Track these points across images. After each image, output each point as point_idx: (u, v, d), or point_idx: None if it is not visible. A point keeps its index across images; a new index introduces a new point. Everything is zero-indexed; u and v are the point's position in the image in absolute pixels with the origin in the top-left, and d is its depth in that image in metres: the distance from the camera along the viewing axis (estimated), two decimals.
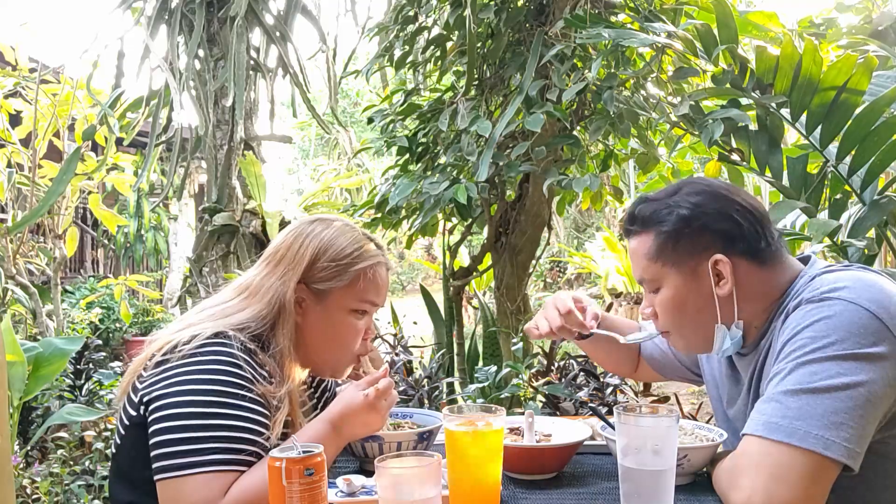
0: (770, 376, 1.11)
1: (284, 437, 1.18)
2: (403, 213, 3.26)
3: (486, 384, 2.74)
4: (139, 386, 1.17)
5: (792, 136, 2.41)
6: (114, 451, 1.23)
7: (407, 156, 3.30)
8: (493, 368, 2.82)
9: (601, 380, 2.46)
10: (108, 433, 3.26)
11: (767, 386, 1.10)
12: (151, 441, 1.11)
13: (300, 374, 1.29)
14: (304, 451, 0.93)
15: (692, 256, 1.20)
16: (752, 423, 1.06)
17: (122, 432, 1.20)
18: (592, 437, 1.39)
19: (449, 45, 3.21)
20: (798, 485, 0.99)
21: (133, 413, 1.17)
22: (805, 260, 1.26)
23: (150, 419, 1.12)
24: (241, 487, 1.08)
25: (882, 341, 1.04)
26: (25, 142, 5.05)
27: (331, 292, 1.26)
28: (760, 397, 1.11)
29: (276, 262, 1.27)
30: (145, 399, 1.14)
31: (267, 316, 1.23)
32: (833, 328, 1.05)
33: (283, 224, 3.99)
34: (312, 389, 1.47)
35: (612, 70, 2.65)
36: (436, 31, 3.23)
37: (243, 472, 1.10)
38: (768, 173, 1.98)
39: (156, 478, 1.09)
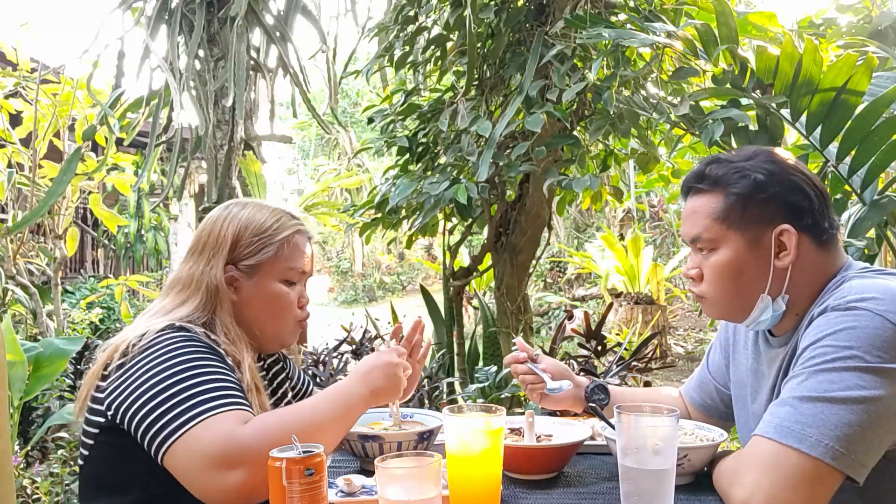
0: (787, 379, 1.10)
1: None
2: (403, 213, 3.27)
3: (486, 384, 2.74)
4: (101, 396, 1.15)
5: (792, 136, 2.42)
6: (81, 462, 1.20)
7: (407, 156, 3.30)
8: (493, 368, 2.82)
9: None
10: None
11: (783, 388, 1.10)
12: (139, 430, 1.07)
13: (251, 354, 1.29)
14: (304, 452, 0.93)
15: (758, 223, 1.19)
16: (764, 424, 1.06)
17: (90, 441, 1.17)
18: (592, 437, 1.39)
19: (449, 45, 3.21)
20: (800, 490, 0.99)
21: (101, 420, 1.14)
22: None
23: (127, 416, 1.09)
24: (264, 419, 1.07)
25: None
26: (26, 142, 5.05)
27: (259, 266, 1.29)
28: (775, 400, 1.10)
29: (200, 251, 1.30)
30: (114, 403, 1.11)
31: (207, 304, 1.25)
32: (856, 339, 1.04)
33: None
34: (267, 375, 1.46)
35: (613, 70, 2.65)
36: (436, 31, 3.23)
37: (244, 412, 1.09)
38: None
39: (161, 451, 1.05)
